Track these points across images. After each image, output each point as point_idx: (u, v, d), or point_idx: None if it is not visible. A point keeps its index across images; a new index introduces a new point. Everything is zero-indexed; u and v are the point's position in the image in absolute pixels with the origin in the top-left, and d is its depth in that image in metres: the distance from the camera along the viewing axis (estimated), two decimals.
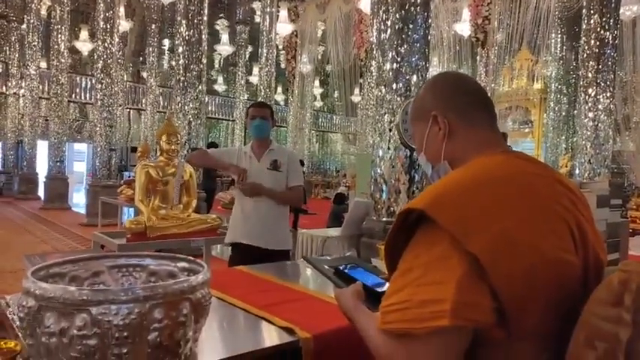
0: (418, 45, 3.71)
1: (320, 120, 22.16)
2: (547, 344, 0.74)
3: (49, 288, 0.77)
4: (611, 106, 6.63)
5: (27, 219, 9.73)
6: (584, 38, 6.65)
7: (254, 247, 2.49)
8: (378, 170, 3.81)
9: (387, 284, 0.87)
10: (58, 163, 11.92)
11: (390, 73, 3.71)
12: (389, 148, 3.75)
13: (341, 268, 1.05)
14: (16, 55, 14.11)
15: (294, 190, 2.67)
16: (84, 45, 14.14)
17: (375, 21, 3.85)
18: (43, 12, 13.14)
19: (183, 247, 3.75)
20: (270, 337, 1.32)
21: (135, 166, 5.49)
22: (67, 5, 11.79)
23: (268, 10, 12.71)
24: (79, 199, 12.81)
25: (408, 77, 3.69)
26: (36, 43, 12.72)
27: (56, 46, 11.61)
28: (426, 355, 0.69)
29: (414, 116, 0.98)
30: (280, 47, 14.10)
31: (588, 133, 6.54)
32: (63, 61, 11.71)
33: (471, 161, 0.84)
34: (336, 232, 3.67)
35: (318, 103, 21.82)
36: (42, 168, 13.19)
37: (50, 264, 0.93)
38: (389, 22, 3.70)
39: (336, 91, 16.65)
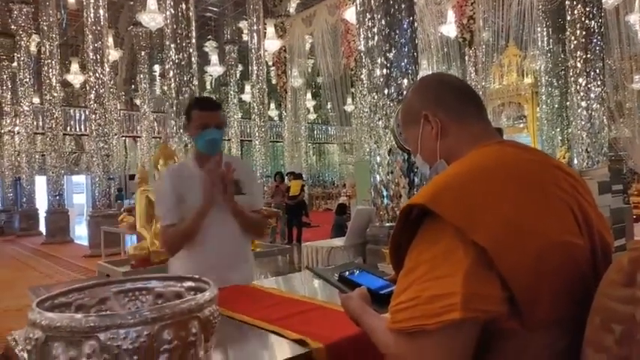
0: (406, 49, 3.75)
1: (315, 132, 22.24)
2: (562, 332, 0.72)
3: (55, 317, 0.76)
4: (603, 94, 6.67)
5: (30, 255, 9.69)
6: (569, 29, 6.72)
7: None
8: (377, 177, 3.81)
9: (393, 286, 0.86)
10: (58, 197, 11.93)
11: (381, 79, 3.73)
12: (386, 154, 3.76)
13: (345, 274, 1.06)
14: (9, 94, 14.21)
15: (259, 216, 2.04)
16: (75, 77, 14.25)
17: (361, 29, 3.88)
18: (33, 48, 13.25)
19: None
20: (282, 350, 1.30)
21: (134, 194, 5.46)
22: (55, 40, 11.90)
23: (255, 28, 12.84)
24: (80, 231, 12.78)
25: (399, 82, 3.71)
26: (28, 80, 12.81)
27: (48, 81, 11.70)
28: (437, 350, 0.69)
29: (406, 120, 0.99)
30: (270, 63, 14.20)
31: (583, 122, 6.56)
32: (55, 95, 11.79)
33: (467, 154, 0.84)
34: (340, 241, 3.65)
35: (312, 116, 21.90)
36: (42, 203, 13.18)
37: (55, 294, 0.92)
38: (375, 29, 3.74)
39: (328, 102, 16.70)
